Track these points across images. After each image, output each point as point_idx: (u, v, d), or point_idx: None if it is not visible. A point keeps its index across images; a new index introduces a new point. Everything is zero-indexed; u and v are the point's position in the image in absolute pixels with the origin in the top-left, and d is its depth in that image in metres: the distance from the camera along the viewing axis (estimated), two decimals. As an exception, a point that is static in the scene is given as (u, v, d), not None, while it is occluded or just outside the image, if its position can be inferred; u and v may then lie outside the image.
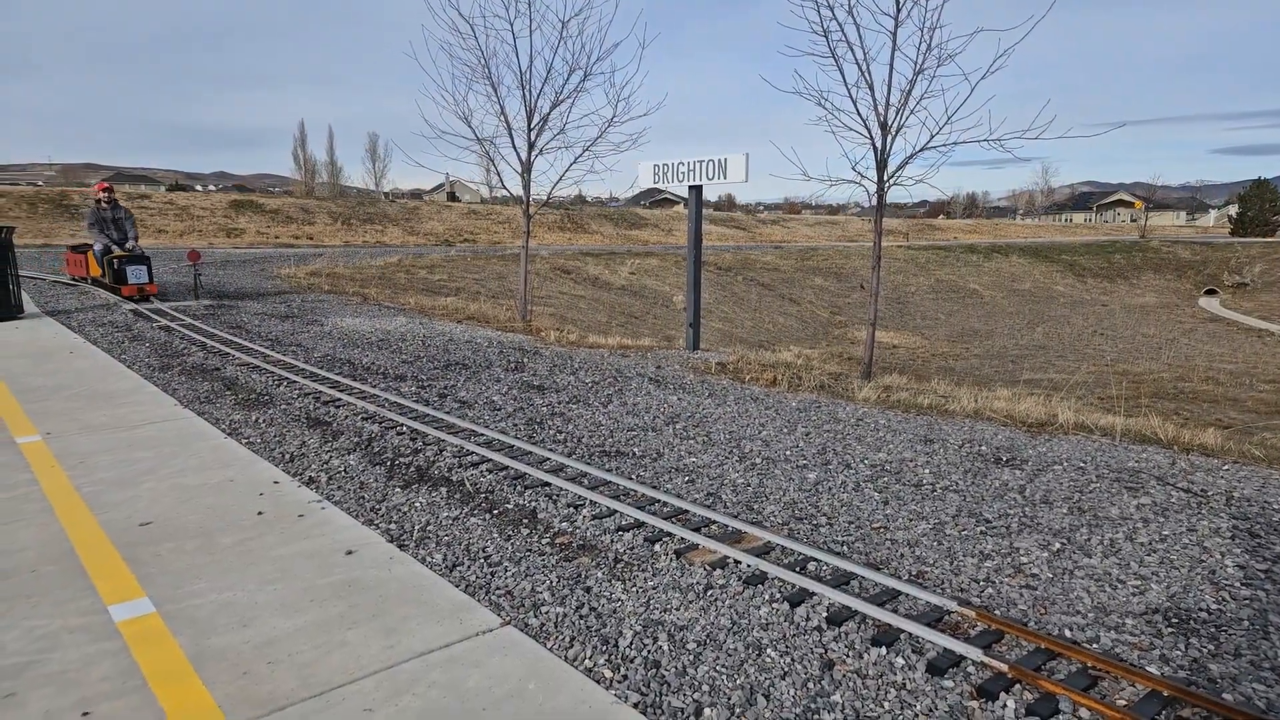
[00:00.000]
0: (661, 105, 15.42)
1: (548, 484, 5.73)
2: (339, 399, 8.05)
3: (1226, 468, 6.44)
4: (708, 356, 12.05)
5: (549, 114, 14.78)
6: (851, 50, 10.46)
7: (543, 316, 19.06)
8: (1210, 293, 53.24)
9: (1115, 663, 3.43)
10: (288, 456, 6.34)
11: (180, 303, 15.14)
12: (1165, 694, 3.24)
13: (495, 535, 4.95)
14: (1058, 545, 4.83)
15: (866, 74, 10.46)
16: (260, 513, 5.00)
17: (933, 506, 5.50)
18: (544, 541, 4.87)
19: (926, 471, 6.29)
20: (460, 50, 16.18)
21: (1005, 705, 3.23)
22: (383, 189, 74.54)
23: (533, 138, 14.90)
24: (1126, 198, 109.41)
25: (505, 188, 16.16)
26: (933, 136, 10.24)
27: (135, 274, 15.16)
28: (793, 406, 8.64)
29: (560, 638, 3.81)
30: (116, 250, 15.27)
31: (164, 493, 5.28)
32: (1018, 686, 3.33)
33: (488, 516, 5.25)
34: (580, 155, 14.93)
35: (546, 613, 4.03)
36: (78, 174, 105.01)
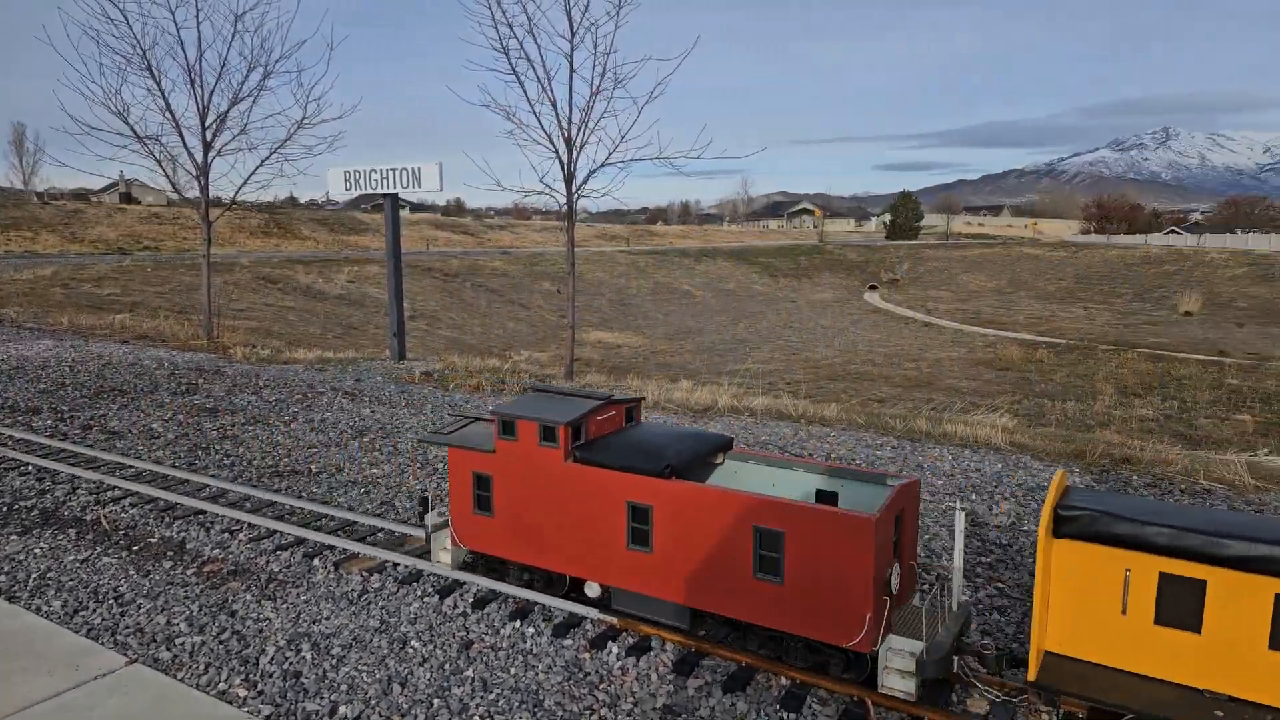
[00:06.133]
0: (357, 109, 14.92)
1: (202, 512, 5.44)
2: (-55, 441, 6.87)
3: (833, 434, 7.86)
4: (414, 366, 11.97)
5: (227, 112, 13.67)
6: (533, 68, 11.04)
7: (237, 332, 17.51)
8: (872, 288, 62.93)
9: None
10: None
11: None
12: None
13: (132, 572, 4.63)
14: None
15: (549, 92, 11.10)
16: None
17: (592, 491, 6.09)
18: (189, 572, 4.65)
19: (595, 460, 6.91)
20: (112, 38, 14.30)
21: (610, 651, 3.77)
22: (35, 188, 62.91)
23: (209, 137, 13.68)
24: (809, 206, 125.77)
25: (177, 190, 14.60)
26: (610, 154, 11.14)
27: None
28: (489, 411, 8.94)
29: (194, 666, 3.71)
30: None
31: None
32: (624, 635, 3.89)
33: (125, 554, 4.87)
34: (268, 158, 13.99)
35: (182, 644, 3.89)
36: None
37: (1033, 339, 38.68)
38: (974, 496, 6.06)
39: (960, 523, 3.37)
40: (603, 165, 11.28)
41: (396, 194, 11.93)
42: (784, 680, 3.54)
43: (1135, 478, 6.58)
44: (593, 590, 4.06)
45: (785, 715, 3.33)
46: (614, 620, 3.96)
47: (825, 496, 3.80)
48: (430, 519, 4.54)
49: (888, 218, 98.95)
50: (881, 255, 72.93)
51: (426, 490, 5.76)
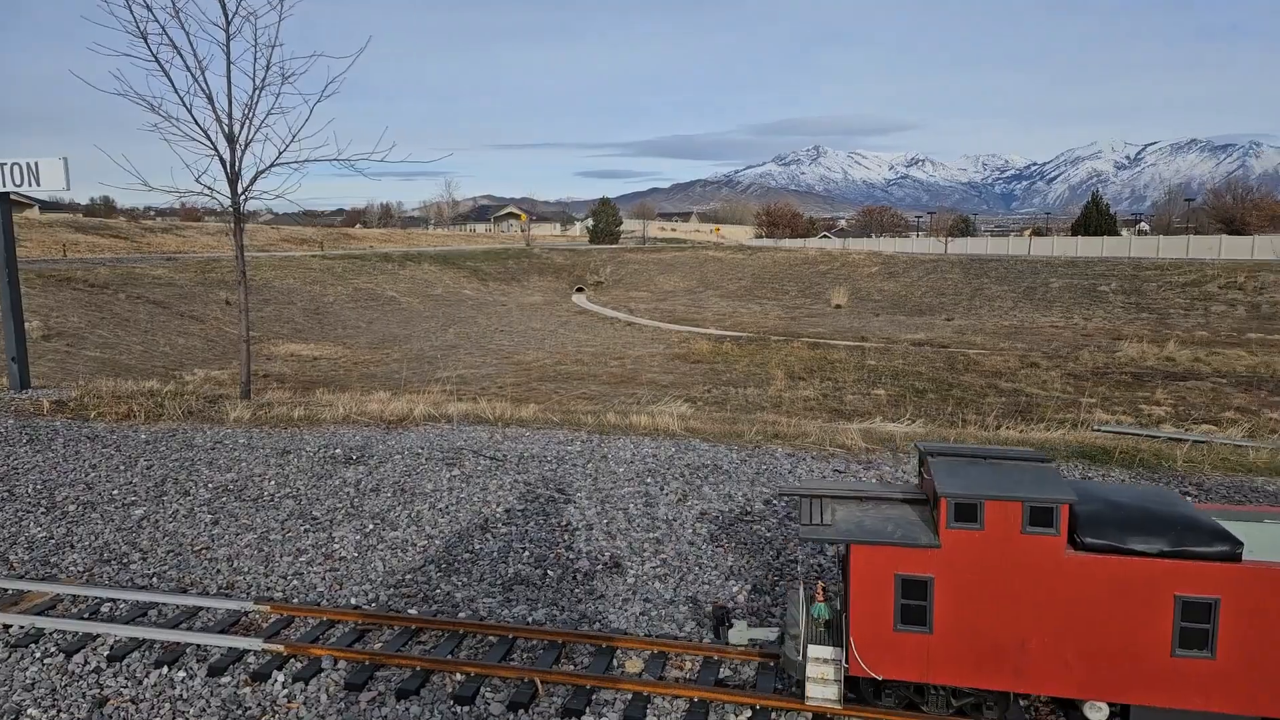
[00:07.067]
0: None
1: None
2: None
3: (528, 434, 8.14)
4: (42, 395, 10.15)
5: None
6: (182, 56, 9.89)
7: None
8: (579, 290, 65.55)
9: (383, 614, 4.11)
10: None
11: None
12: (413, 627, 4.02)
13: None
14: (371, 527, 5.50)
15: (202, 84, 10.01)
16: None
17: (265, 517, 5.69)
18: None
19: (272, 483, 6.45)
20: None
21: (275, 680, 3.60)
22: None
23: None
24: (515, 210, 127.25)
25: None
26: (280, 153, 10.36)
27: None
28: (141, 440, 7.90)
29: None
30: None
31: None
32: (292, 661, 3.74)
33: None
34: None
35: None
36: None
37: (719, 333, 43.12)
38: (649, 479, 6.68)
39: None
40: (272, 165, 10.46)
41: (9, 193, 10.01)
42: (459, 676, 3.65)
43: (779, 449, 7.71)
44: (1098, 713, 3.28)
45: (459, 709, 3.44)
46: (281, 648, 3.77)
47: None
48: (743, 634, 3.50)
49: (590, 222, 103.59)
50: (586, 259, 76.22)
51: (724, 602, 4.44)
